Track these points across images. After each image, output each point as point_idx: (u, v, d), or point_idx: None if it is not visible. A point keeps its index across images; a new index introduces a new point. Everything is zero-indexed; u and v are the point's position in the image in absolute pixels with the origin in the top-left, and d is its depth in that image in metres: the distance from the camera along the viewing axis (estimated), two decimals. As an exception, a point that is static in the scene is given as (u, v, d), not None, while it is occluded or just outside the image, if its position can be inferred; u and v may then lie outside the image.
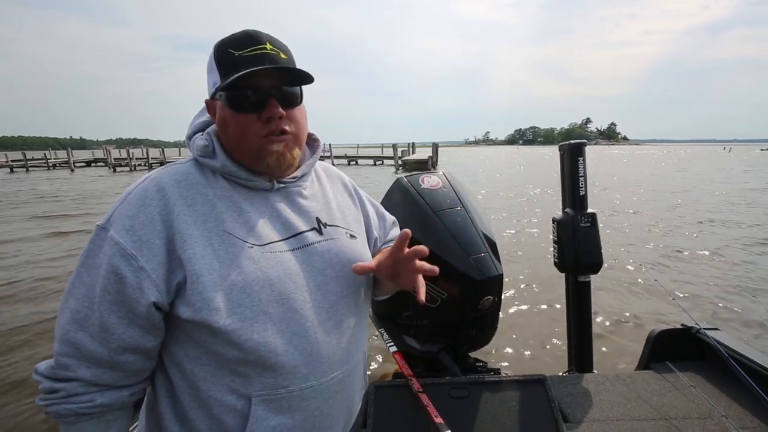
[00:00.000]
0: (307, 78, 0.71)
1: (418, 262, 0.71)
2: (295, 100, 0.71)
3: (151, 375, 0.72)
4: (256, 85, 0.67)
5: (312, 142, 0.84)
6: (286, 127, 0.69)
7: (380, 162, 32.68)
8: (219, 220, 0.67)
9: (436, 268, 0.71)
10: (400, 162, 26.74)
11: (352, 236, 0.82)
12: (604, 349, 3.20)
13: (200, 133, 0.74)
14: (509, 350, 3.22)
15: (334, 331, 0.73)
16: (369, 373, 2.77)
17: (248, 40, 0.67)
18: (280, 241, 0.70)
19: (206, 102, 0.74)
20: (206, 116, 0.78)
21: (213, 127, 0.74)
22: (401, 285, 0.77)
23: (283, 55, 0.69)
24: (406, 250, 0.71)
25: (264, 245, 0.68)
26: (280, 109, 0.68)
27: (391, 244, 1.01)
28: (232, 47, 0.67)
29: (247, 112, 0.67)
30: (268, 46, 0.68)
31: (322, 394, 0.71)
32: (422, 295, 0.71)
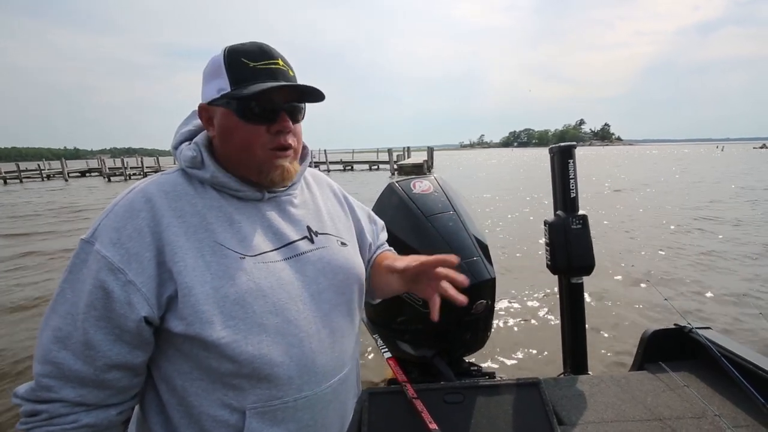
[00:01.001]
0: (318, 96, 0.72)
1: (446, 272, 0.71)
2: (300, 116, 0.73)
3: (140, 392, 0.71)
4: (268, 97, 0.67)
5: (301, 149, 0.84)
6: (291, 142, 0.71)
7: (375, 167, 32.75)
8: (210, 231, 0.66)
9: (464, 281, 0.70)
10: (395, 166, 26.79)
11: (343, 244, 0.82)
12: (598, 350, 3.20)
13: (187, 143, 0.74)
14: (504, 353, 3.22)
15: (328, 340, 0.73)
16: (363, 379, 2.77)
17: (262, 53, 0.68)
18: (272, 251, 0.70)
19: (200, 106, 0.72)
20: (192, 125, 0.77)
21: (200, 136, 0.74)
22: (417, 291, 0.77)
23: (291, 72, 0.71)
24: (441, 270, 0.71)
25: (256, 256, 0.68)
26: (290, 124, 0.69)
27: (383, 248, 1.02)
28: (245, 57, 0.67)
29: (257, 123, 0.67)
30: (280, 62, 0.69)
31: (316, 404, 0.71)
32: (436, 313, 0.69)
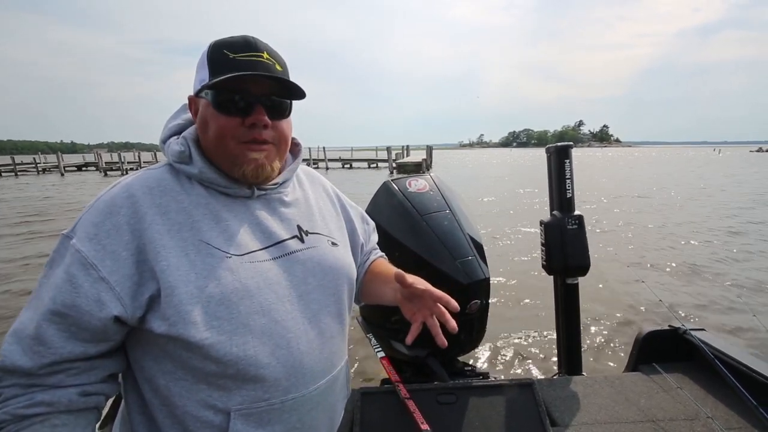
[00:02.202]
0: (298, 93, 0.70)
1: (442, 311, 0.74)
2: (283, 112, 0.70)
3: (124, 393, 0.69)
4: (245, 89, 0.66)
5: (294, 146, 0.82)
6: (268, 138, 0.68)
7: (374, 165, 32.76)
8: (195, 229, 0.64)
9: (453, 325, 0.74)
10: (394, 165, 26.76)
11: (333, 244, 0.81)
12: (593, 351, 3.20)
13: (175, 137, 0.72)
14: (498, 354, 3.21)
15: (317, 341, 0.71)
16: (356, 378, 2.76)
17: (246, 45, 0.66)
18: (260, 250, 0.68)
19: (189, 98, 0.72)
20: (181, 119, 0.76)
21: (189, 131, 0.72)
22: (406, 311, 0.81)
23: (278, 67, 0.68)
24: (440, 307, 0.74)
25: (243, 255, 0.66)
26: (266, 118, 0.67)
27: (376, 254, 1.02)
28: (227, 49, 0.66)
29: (232, 114, 0.66)
30: (265, 55, 0.67)
31: (303, 406, 0.69)
32: (412, 338, 0.76)
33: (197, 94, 0.69)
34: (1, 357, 0.59)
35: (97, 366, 0.63)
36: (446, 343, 0.74)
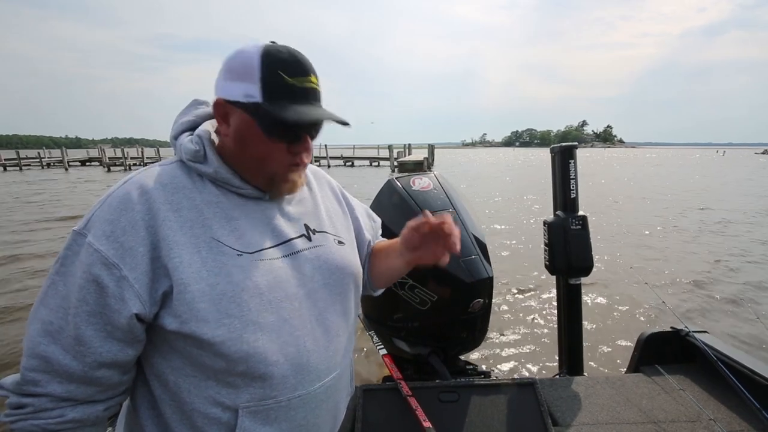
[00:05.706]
0: (343, 124, 0.71)
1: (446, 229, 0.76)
2: (317, 134, 0.72)
3: (132, 387, 0.70)
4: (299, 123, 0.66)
5: None
6: (306, 160, 0.71)
7: (376, 163, 32.75)
8: (206, 226, 0.64)
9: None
10: (395, 163, 26.73)
11: (340, 242, 0.81)
12: (595, 351, 3.20)
13: (188, 134, 0.72)
14: (500, 353, 3.21)
15: (323, 339, 0.72)
16: (358, 376, 2.77)
17: (299, 67, 0.65)
18: (269, 248, 0.69)
19: (218, 101, 0.66)
20: (192, 115, 0.75)
21: (204, 129, 0.71)
22: (423, 258, 0.83)
23: (319, 88, 0.69)
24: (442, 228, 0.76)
25: (253, 253, 0.66)
26: (311, 144, 0.70)
27: (378, 239, 1.02)
28: (282, 68, 0.63)
29: (279, 139, 0.66)
30: (314, 80, 0.67)
31: (309, 404, 0.70)
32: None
33: (234, 103, 0.65)
34: (41, 358, 0.59)
35: (125, 381, 0.66)
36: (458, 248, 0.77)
